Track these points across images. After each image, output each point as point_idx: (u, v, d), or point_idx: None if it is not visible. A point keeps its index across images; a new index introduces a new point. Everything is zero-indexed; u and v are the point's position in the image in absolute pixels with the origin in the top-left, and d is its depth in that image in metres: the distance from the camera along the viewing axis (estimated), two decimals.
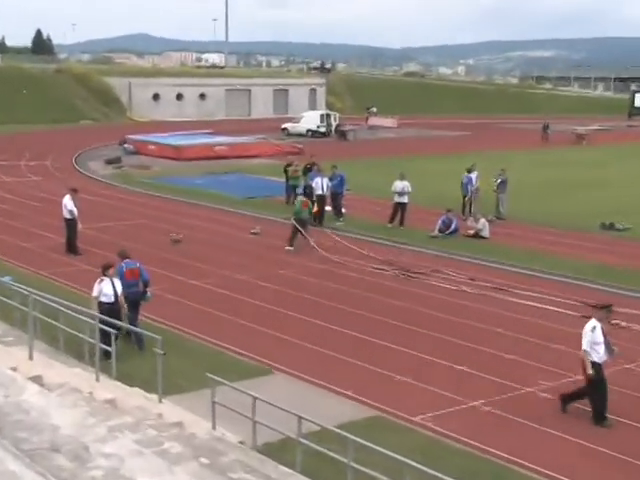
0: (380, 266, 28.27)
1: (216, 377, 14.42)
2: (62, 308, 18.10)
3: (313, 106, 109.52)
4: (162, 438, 13.29)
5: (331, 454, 12.71)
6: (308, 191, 36.50)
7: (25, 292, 18.52)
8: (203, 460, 12.64)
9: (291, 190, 39.90)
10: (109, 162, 57.47)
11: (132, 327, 18.77)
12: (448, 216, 33.81)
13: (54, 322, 18.31)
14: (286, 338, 20.78)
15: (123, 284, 19.64)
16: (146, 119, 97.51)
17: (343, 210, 36.99)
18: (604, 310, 16.43)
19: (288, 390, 17.14)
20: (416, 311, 23.39)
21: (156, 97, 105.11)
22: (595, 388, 15.94)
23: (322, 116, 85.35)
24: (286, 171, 41.10)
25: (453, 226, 33.58)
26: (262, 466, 13.01)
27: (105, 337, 17.20)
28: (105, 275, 19.10)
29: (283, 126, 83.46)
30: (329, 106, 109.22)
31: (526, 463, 14.34)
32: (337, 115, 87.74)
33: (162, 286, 24.73)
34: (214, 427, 14.25)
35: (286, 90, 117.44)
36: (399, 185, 35.21)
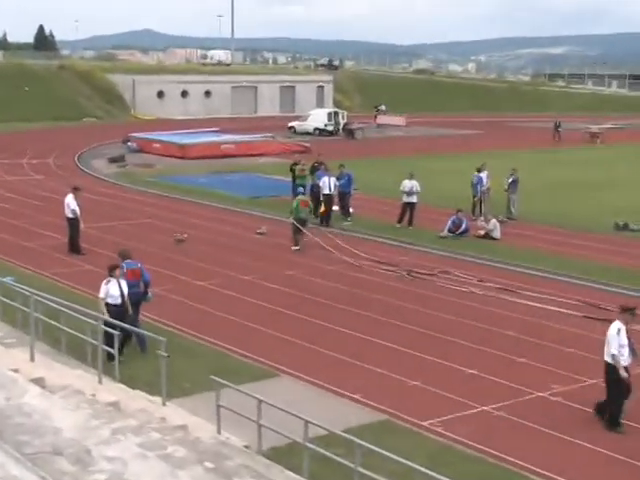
0: (389, 267, 28.00)
1: (221, 380, 14.21)
2: (64, 309, 17.95)
3: (320, 104, 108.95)
4: (166, 442, 13.14)
5: (338, 459, 12.51)
6: (315, 190, 36.36)
7: (27, 293, 18.39)
8: (208, 464, 12.47)
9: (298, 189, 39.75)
10: (112, 160, 57.26)
11: (134, 328, 18.54)
12: (458, 216, 33.54)
13: (56, 323, 18.16)
14: (292, 340, 20.56)
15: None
16: (150, 117, 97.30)
17: (351, 210, 36.74)
18: (628, 312, 16.17)
19: (294, 393, 16.94)
20: (425, 313, 23.15)
21: (160, 94, 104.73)
22: (617, 392, 15.69)
23: (330, 114, 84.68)
24: (292, 170, 40.88)
25: (463, 226, 33.34)
26: (268, 471, 12.87)
27: (109, 339, 17.02)
28: (111, 276, 18.83)
29: (290, 124, 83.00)
30: (337, 104, 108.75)
31: (538, 469, 14.13)
32: (345, 113, 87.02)
33: (166, 287, 24.60)
34: (219, 431, 14.09)
35: (293, 87, 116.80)
36: (408, 184, 34.96)
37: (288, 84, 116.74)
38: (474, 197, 37.20)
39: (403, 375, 18.22)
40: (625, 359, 15.61)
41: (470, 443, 14.99)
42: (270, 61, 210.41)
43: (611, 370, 15.60)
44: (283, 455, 13.70)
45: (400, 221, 34.94)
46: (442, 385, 17.65)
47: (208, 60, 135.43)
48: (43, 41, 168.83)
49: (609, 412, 15.82)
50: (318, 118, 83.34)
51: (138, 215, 37.29)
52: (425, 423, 15.81)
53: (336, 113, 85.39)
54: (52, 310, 18.25)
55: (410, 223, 34.77)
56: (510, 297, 24.81)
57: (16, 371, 15.55)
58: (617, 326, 15.72)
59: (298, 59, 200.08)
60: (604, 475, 14.23)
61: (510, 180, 37.49)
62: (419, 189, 34.94)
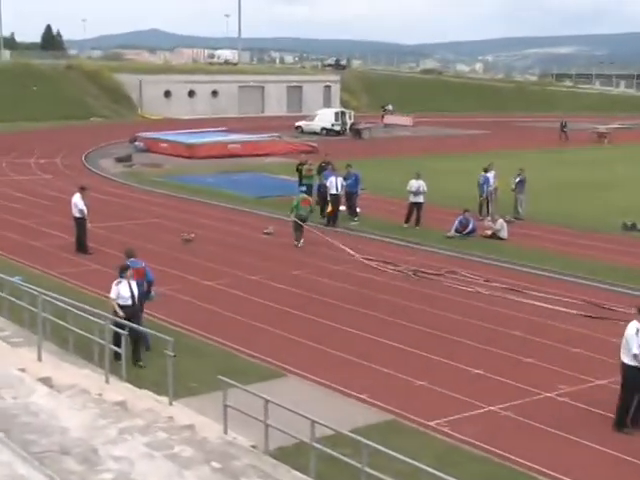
0: (397, 267, 27.97)
1: (228, 379, 14.20)
2: (72, 309, 17.94)
3: (328, 104, 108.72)
4: (173, 441, 13.17)
5: (345, 459, 12.50)
6: (322, 190, 36.32)
7: (34, 292, 18.39)
8: (215, 464, 12.49)
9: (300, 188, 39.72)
10: (120, 160, 57.24)
11: (139, 327, 18.51)
12: (465, 216, 33.47)
13: (63, 323, 18.17)
14: (299, 340, 20.54)
15: None
16: (157, 116, 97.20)
17: (358, 210, 36.65)
18: None
19: (301, 393, 16.92)
20: (431, 313, 23.11)
21: (167, 94, 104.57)
22: (630, 392, 15.64)
23: (337, 114, 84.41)
24: (299, 170, 40.85)
25: (470, 226, 33.26)
26: (275, 471, 12.87)
27: (118, 339, 17.04)
28: (122, 277, 18.79)
29: (297, 124, 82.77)
30: (344, 104, 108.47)
31: (545, 469, 14.09)
32: (352, 113, 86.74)
33: (174, 287, 24.61)
34: (226, 431, 14.08)
35: (300, 87, 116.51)
36: (414, 184, 34.88)
37: (295, 84, 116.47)
38: (480, 197, 37.13)
39: (410, 375, 18.18)
40: None
41: (477, 443, 14.95)
42: (277, 61, 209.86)
43: (631, 371, 15.51)
44: (290, 455, 13.68)
45: (407, 221, 34.87)
46: (449, 385, 17.61)
47: (215, 60, 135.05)
48: (50, 41, 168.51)
49: (617, 412, 15.78)
50: (325, 118, 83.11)
51: (145, 215, 37.28)
52: (432, 423, 15.78)
53: (343, 113, 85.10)
54: (59, 310, 18.28)
55: (417, 223, 34.70)
56: (517, 297, 24.76)
57: (23, 370, 15.58)
58: (635, 326, 15.62)
59: (305, 59, 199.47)
60: (611, 476, 14.18)
61: (517, 180, 37.36)
62: (426, 189, 34.85)
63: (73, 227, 29.88)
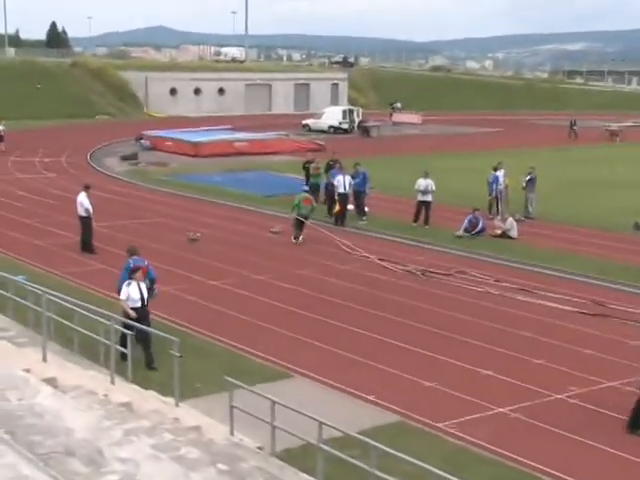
0: (405, 267, 27.84)
1: (234, 380, 14.11)
2: (77, 308, 17.84)
3: (335, 101, 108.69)
4: (179, 443, 13.12)
5: (353, 461, 12.38)
6: (330, 189, 36.22)
7: (39, 292, 18.31)
8: (221, 466, 12.44)
9: (312, 188, 39.59)
10: (125, 159, 57.17)
11: (142, 326, 18.38)
12: (475, 215, 33.26)
13: (68, 323, 18.09)
14: (306, 340, 20.42)
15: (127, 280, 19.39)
16: (163, 114, 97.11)
17: (366, 209, 36.50)
18: None
19: (308, 394, 16.80)
20: (440, 313, 22.97)
21: (173, 92, 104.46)
22: None
23: (344, 112, 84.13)
24: (305, 168, 40.75)
25: (480, 226, 33.07)
26: (282, 473, 12.82)
27: (124, 339, 16.98)
28: (132, 278, 18.65)
29: (304, 122, 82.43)
30: (352, 101, 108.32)
31: (555, 472, 13.97)
32: (360, 111, 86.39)
33: (180, 286, 24.55)
34: (232, 432, 14.00)
35: (307, 85, 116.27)
36: (423, 183, 34.72)
37: (302, 81, 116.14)
38: (490, 196, 36.93)
39: (418, 376, 18.06)
40: None
41: (486, 445, 14.84)
42: (284, 58, 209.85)
43: None
44: (297, 457, 13.60)
45: (416, 220, 34.70)
46: (457, 386, 17.48)
47: (222, 57, 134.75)
48: (55, 38, 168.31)
49: (632, 415, 15.62)
50: (333, 116, 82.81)
51: (151, 214, 37.19)
52: (440, 425, 15.67)
53: (351, 111, 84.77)
54: (64, 309, 18.18)
55: (426, 222, 34.54)
56: (527, 297, 24.59)
57: (28, 371, 15.51)
58: None
59: (313, 56, 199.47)
60: (623, 479, 14.05)
61: (528, 178, 37.14)
62: (434, 188, 34.68)
63: (78, 226, 29.77)
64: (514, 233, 32.76)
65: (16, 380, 14.76)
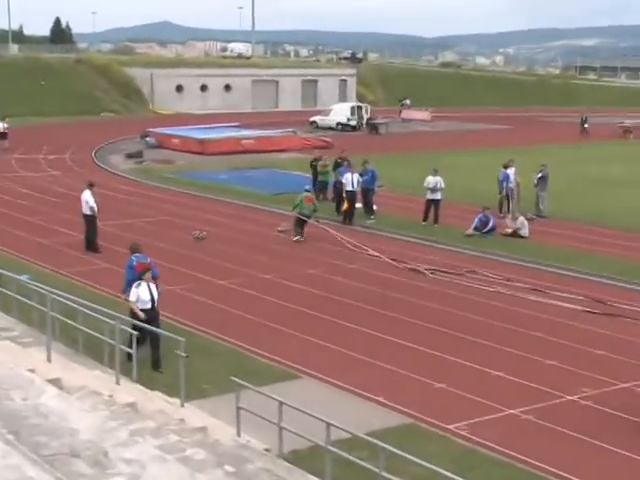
0: (413, 265, 27.69)
1: (241, 381, 14.01)
2: (81, 308, 17.71)
3: (343, 98, 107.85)
4: (184, 444, 13.08)
5: (362, 463, 12.28)
6: (338, 187, 36.09)
7: (43, 291, 18.17)
8: (228, 468, 12.39)
9: (320, 186, 39.48)
10: (130, 156, 56.99)
11: (147, 326, 18.24)
12: (485, 214, 33.03)
13: (73, 323, 17.97)
14: (314, 340, 20.28)
15: (132, 278, 19.35)
16: (169, 111, 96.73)
17: (374, 207, 36.27)
18: None
19: (316, 395, 16.67)
20: (450, 313, 22.79)
21: (179, 88, 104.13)
22: None
23: (353, 108, 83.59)
24: (313, 166, 40.60)
25: (490, 224, 32.83)
26: (289, 475, 12.76)
27: (137, 341, 16.94)
28: (142, 279, 18.49)
29: (312, 119, 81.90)
30: (360, 98, 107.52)
31: (567, 475, 13.84)
32: (368, 107, 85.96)
33: (186, 286, 24.46)
34: (239, 433, 13.92)
35: (315, 81, 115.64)
36: (432, 181, 34.48)
37: (310, 78, 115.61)
38: (500, 194, 36.67)
39: (428, 377, 17.93)
40: None
41: (496, 447, 14.72)
42: (292, 54, 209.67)
43: None
44: (305, 458, 13.50)
45: (425, 219, 34.50)
46: (468, 387, 17.33)
47: (228, 53, 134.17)
48: (60, 34, 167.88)
49: None
50: (341, 112, 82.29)
51: (156, 212, 37.05)
52: (451, 426, 15.54)
53: (359, 107, 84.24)
54: (69, 309, 18.06)
55: (435, 221, 34.33)
56: (539, 297, 24.37)
57: (33, 371, 15.43)
58: None
59: (320, 52, 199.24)
60: None
61: (539, 176, 36.87)
62: (443, 185, 34.46)
63: (82, 224, 29.63)
64: (525, 232, 32.52)
65: (21, 380, 14.69)
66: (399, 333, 20.77)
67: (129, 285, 19.29)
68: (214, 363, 18.28)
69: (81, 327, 17.78)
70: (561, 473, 13.85)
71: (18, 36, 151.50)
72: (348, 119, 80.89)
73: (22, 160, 55.17)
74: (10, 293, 20.33)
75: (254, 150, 59.99)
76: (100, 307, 17.66)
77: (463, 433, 15.28)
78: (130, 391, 15.56)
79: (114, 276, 22.79)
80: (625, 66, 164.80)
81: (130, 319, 17.66)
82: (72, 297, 18.32)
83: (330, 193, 38.54)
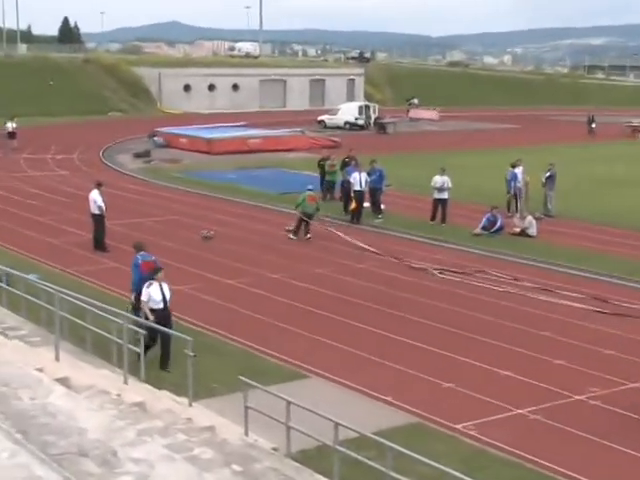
0: (420, 264, 27.65)
1: (249, 380, 13.96)
2: (90, 307, 17.70)
3: (351, 97, 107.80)
4: (192, 443, 13.03)
5: (369, 462, 12.23)
6: (346, 186, 36.05)
7: (52, 290, 18.15)
8: (235, 467, 12.32)
9: (328, 185, 39.43)
10: (138, 156, 57.00)
11: (152, 324, 18.22)
12: (493, 213, 32.94)
13: (81, 322, 17.97)
14: (322, 340, 20.24)
15: (138, 277, 19.36)
16: (177, 111, 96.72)
17: (382, 207, 36.20)
18: None
19: (324, 395, 16.62)
20: (458, 313, 22.72)
21: (187, 88, 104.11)
22: None
23: (361, 108, 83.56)
24: (321, 165, 40.56)
25: (498, 224, 32.72)
26: (297, 474, 12.70)
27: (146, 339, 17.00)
28: (154, 279, 18.43)
29: (319, 118, 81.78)
30: (368, 97, 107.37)
31: (576, 475, 13.79)
32: (376, 107, 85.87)
33: (194, 285, 24.44)
34: (246, 433, 13.87)
35: (323, 80, 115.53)
36: (439, 180, 34.40)
37: (318, 77, 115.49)
38: (508, 193, 36.56)
39: (436, 377, 17.88)
40: None
41: (505, 447, 14.66)
42: (299, 53, 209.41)
43: None
44: (312, 458, 13.46)
45: (433, 218, 34.43)
46: (476, 387, 17.27)
47: (236, 53, 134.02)
48: (68, 34, 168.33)
49: None
50: (349, 112, 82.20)
51: (164, 212, 37.04)
52: (458, 426, 15.49)
53: (367, 107, 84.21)
54: (77, 308, 18.05)
55: (443, 220, 34.25)
56: (548, 297, 24.27)
57: (41, 370, 15.41)
58: None
59: (328, 51, 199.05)
60: None
61: (547, 175, 36.72)
62: (450, 185, 34.37)
63: (90, 224, 29.64)
64: (533, 231, 32.42)
65: (29, 379, 14.66)
66: (408, 333, 20.71)
67: (137, 284, 19.34)
68: (222, 362, 18.25)
69: (89, 326, 17.77)
70: (570, 473, 13.79)
71: (27, 36, 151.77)
72: (356, 118, 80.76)
73: (30, 160, 55.24)
74: (19, 292, 20.37)
75: (262, 150, 59.96)
76: (108, 306, 17.64)
77: (471, 433, 15.23)
78: (138, 390, 15.53)
79: (122, 275, 22.77)
80: (634, 65, 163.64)
81: (134, 317, 17.68)
82: (80, 296, 18.31)
83: (338, 192, 38.52)
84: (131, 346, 16.51)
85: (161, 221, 34.93)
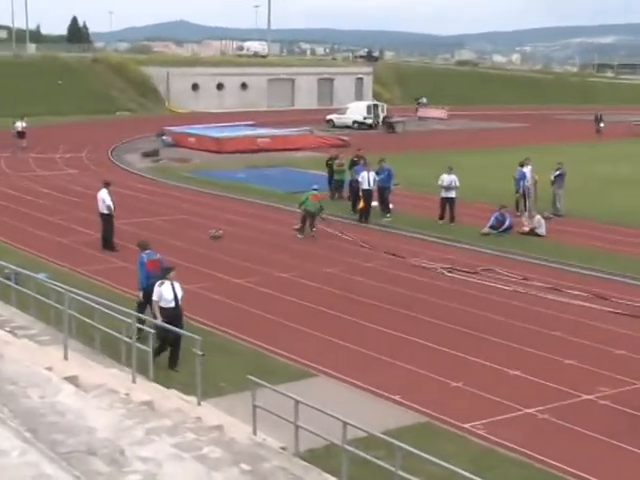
0: (430, 264, 27.62)
1: (257, 379, 13.96)
2: (98, 306, 17.71)
3: (359, 96, 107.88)
4: (201, 442, 12.98)
5: (378, 462, 12.22)
6: (354, 185, 36.03)
7: (61, 290, 18.15)
8: (244, 466, 12.27)
9: (336, 185, 39.40)
10: (146, 155, 57.00)
11: (158, 322, 18.21)
12: (502, 212, 32.85)
13: (90, 321, 17.97)
14: (330, 339, 20.21)
15: (145, 276, 19.40)
16: (185, 110, 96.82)
17: (391, 206, 36.15)
18: None
19: (332, 394, 16.60)
20: (467, 312, 22.65)
21: (195, 87, 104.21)
22: None
23: (369, 107, 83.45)
24: (329, 165, 40.52)
25: (507, 223, 32.62)
26: (306, 473, 12.67)
27: (161, 340, 17.05)
28: (166, 278, 18.39)
29: (328, 117, 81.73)
30: (376, 96, 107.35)
31: (585, 475, 13.74)
32: (385, 106, 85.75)
33: (203, 284, 24.41)
34: (255, 432, 13.86)
35: (331, 80, 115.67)
36: (446, 179, 34.31)
37: (326, 76, 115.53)
38: (516, 193, 36.41)
39: (445, 376, 17.83)
40: None
41: (514, 447, 14.62)
42: (308, 52, 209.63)
43: None
44: (321, 457, 13.45)
45: (442, 217, 34.34)
46: (485, 386, 17.22)
47: (244, 52, 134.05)
48: (76, 33, 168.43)
49: None
50: (357, 111, 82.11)
51: (173, 211, 37.04)
52: (467, 425, 15.44)
53: (375, 106, 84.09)
54: (86, 307, 18.06)
55: (451, 219, 34.19)
56: (559, 297, 24.19)
57: (50, 369, 15.40)
58: None
59: (336, 50, 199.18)
60: None
61: (556, 174, 36.59)
62: (458, 184, 34.27)
63: (99, 223, 29.67)
64: (542, 231, 32.31)
65: (38, 378, 14.65)
66: (417, 332, 20.68)
67: (144, 282, 19.38)
68: (231, 362, 18.24)
69: (98, 325, 17.77)
70: (579, 473, 13.74)
71: (35, 36, 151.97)
72: (364, 117, 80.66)
73: (39, 159, 55.34)
74: (28, 292, 20.39)
75: (270, 149, 59.96)
76: (117, 305, 17.65)
77: (480, 432, 15.18)
78: (147, 389, 15.52)
79: (131, 274, 22.74)
80: None
81: (138, 314, 17.71)
82: (89, 295, 18.34)
83: (346, 192, 38.51)
84: (139, 344, 16.51)
85: (170, 220, 34.93)
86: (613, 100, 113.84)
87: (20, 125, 60.37)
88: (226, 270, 26.61)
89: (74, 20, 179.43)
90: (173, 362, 17.83)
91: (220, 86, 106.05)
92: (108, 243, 29.15)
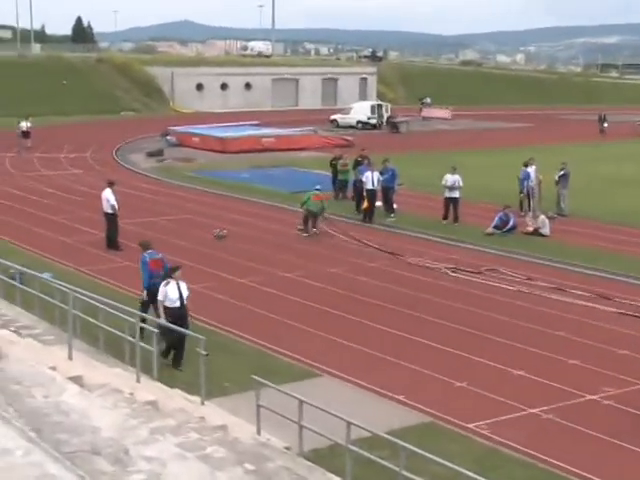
0: (433, 264, 27.59)
1: (261, 379, 13.94)
2: (103, 306, 17.73)
3: (363, 96, 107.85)
4: (205, 442, 12.98)
5: (382, 462, 12.20)
6: (358, 185, 36.01)
7: (65, 289, 18.17)
8: (248, 466, 12.27)
9: (340, 185, 39.39)
10: (151, 155, 57.05)
11: (163, 322, 18.22)
12: (506, 212, 32.82)
13: (94, 321, 17.99)
14: (335, 339, 20.20)
15: (147, 275, 19.43)
16: (189, 110, 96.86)
17: (394, 206, 36.12)
18: None
19: (336, 394, 16.60)
20: (471, 312, 22.64)
21: (200, 87, 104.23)
22: None
23: (373, 107, 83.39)
24: (333, 165, 40.51)
25: (511, 223, 32.60)
26: (309, 473, 12.66)
27: (169, 340, 17.11)
28: (171, 278, 18.41)
29: (332, 117, 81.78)
30: (380, 96, 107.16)
31: (589, 475, 13.72)
32: (389, 106, 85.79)
33: (207, 284, 24.40)
34: (259, 431, 13.86)
35: (335, 80, 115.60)
36: (450, 179, 34.30)
37: (330, 76, 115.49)
38: (520, 193, 36.39)
39: (449, 376, 17.82)
40: None
41: (518, 447, 14.59)
42: (312, 52, 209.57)
43: None
44: (325, 457, 13.44)
45: (445, 217, 34.35)
46: (489, 387, 17.21)
47: (248, 52, 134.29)
48: (81, 33, 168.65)
49: None
50: (361, 111, 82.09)
51: (177, 211, 37.06)
52: (471, 425, 15.43)
53: (380, 106, 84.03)
54: (90, 307, 18.08)
55: (455, 219, 34.18)
56: (561, 296, 24.16)
57: (54, 369, 15.40)
58: None
59: (340, 50, 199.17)
60: None
61: (560, 174, 36.55)
62: (462, 184, 34.26)
63: (103, 223, 29.70)
64: (546, 231, 32.28)
65: (42, 378, 14.66)
66: (421, 332, 20.66)
67: (147, 281, 19.41)
68: (235, 361, 18.25)
69: (102, 325, 17.79)
70: (583, 473, 13.72)
71: (40, 36, 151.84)
72: (368, 117, 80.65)
73: (44, 159, 55.39)
74: (33, 291, 20.41)
75: (274, 149, 59.97)
76: (121, 305, 17.67)
77: (484, 432, 15.17)
78: (151, 389, 15.53)
79: (135, 274, 22.73)
80: None
81: (141, 313, 17.72)
82: (93, 295, 18.36)
83: (350, 192, 38.51)
84: (143, 344, 16.52)
85: (174, 220, 34.95)
86: (617, 100, 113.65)
87: (25, 125, 60.49)
88: (230, 270, 26.62)
89: (79, 20, 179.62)
90: (177, 362, 17.84)
91: (224, 86, 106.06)
92: (112, 243, 29.19)
